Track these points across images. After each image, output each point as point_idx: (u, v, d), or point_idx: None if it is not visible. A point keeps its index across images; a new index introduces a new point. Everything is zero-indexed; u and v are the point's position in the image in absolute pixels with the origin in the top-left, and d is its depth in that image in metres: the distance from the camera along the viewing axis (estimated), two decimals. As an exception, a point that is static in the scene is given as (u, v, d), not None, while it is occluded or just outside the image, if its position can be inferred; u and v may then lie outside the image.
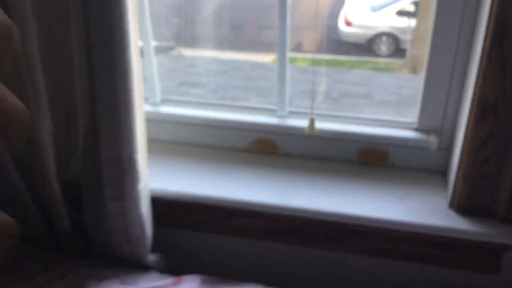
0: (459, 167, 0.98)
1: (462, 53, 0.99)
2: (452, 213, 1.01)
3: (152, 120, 1.19)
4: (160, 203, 1.09)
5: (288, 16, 1.07)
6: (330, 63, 2.15)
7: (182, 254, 1.18)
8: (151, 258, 1.09)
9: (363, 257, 1.08)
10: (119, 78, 0.91)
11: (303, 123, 1.13)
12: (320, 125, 1.13)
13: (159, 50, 1.23)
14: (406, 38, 2.57)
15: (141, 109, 0.97)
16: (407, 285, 1.09)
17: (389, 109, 2.00)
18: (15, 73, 0.96)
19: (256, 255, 1.14)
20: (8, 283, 1.01)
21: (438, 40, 0.99)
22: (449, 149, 1.07)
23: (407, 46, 2.52)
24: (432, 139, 1.08)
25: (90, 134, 0.99)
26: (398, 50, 2.49)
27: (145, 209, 1.04)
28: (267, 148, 1.17)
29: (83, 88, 0.96)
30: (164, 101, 1.23)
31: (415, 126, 1.10)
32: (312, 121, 1.12)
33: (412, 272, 1.07)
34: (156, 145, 1.20)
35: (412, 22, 2.63)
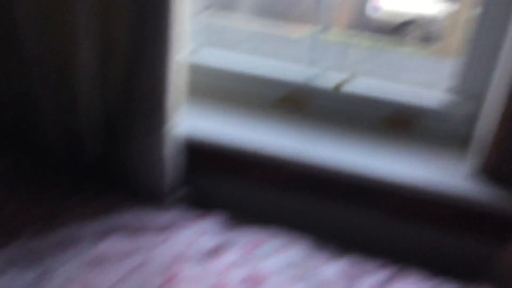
0: (489, 134, 0.98)
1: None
2: (477, 180, 1.01)
3: (187, 66, 1.21)
4: (186, 146, 1.11)
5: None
6: (360, 43, 2.15)
7: (203, 199, 1.19)
8: (172, 198, 1.11)
9: (380, 215, 1.08)
10: (164, 14, 0.93)
11: (333, 82, 1.15)
12: (352, 86, 1.14)
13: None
14: (437, 23, 2.56)
15: (180, 49, 0.99)
16: (420, 247, 1.09)
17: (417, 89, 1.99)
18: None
19: (278, 205, 1.16)
20: (34, 207, 1.03)
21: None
22: (477, 116, 1.08)
23: (439, 31, 2.51)
24: (461, 106, 1.09)
25: (126, 69, 1.01)
26: (428, 35, 2.49)
27: (169, 149, 1.06)
28: (296, 104, 1.18)
29: (125, 21, 0.97)
30: (199, 50, 1.24)
31: (445, 92, 1.11)
32: (343, 82, 1.13)
33: (427, 235, 1.08)
34: (187, 90, 1.22)
35: (447, 7, 2.62)
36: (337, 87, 1.13)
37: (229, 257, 0.96)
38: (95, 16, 0.99)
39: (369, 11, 2.56)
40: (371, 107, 1.14)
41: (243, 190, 1.17)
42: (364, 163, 1.04)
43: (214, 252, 0.97)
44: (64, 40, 1.01)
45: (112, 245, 0.94)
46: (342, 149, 1.08)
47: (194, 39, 1.24)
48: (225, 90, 1.23)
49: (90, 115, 1.06)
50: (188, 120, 1.12)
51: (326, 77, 1.17)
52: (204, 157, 1.13)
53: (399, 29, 2.56)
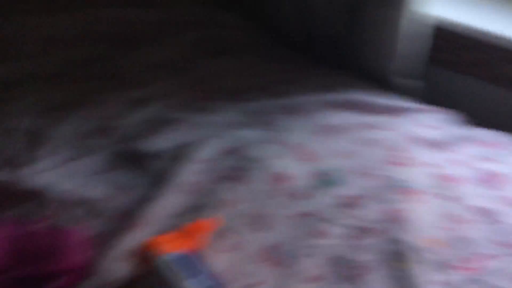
0: None
1: None
2: None
3: None
4: (431, 34, 1.02)
5: None
6: None
7: (437, 94, 1.10)
8: (402, 82, 1.05)
9: None
10: None
11: None
12: None
13: None
14: None
15: None
16: None
17: None
18: None
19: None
20: (268, 76, 1.06)
21: None
22: None
23: None
24: None
25: None
26: None
27: (407, 29, 0.99)
28: None
29: None
30: None
31: None
32: None
33: None
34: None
35: None
36: None
37: (462, 151, 0.88)
38: None
39: None
40: None
41: (485, 90, 1.06)
42: None
43: (446, 143, 0.90)
44: None
45: (341, 117, 0.93)
46: None
47: None
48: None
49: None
50: (439, 7, 1.02)
51: None
52: (449, 49, 1.04)
53: None
